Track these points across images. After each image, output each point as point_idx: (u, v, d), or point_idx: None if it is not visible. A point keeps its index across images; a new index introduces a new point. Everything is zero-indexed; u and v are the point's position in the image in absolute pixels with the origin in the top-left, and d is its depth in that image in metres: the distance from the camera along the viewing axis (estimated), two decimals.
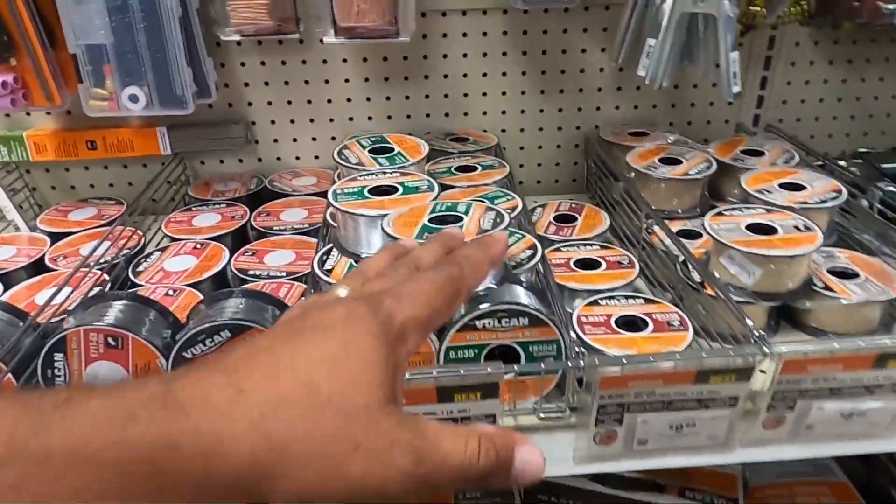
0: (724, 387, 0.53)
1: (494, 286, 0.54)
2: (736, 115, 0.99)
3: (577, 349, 0.52)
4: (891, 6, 0.79)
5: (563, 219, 0.81)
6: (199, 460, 0.22)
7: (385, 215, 0.60)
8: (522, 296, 0.58)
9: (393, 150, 0.74)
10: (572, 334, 0.56)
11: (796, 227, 0.66)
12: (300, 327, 0.27)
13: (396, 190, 0.64)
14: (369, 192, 0.64)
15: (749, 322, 0.53)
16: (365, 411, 0.24)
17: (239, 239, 0.81)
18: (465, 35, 0.90)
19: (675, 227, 0.79)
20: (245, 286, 0.64)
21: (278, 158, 0.97)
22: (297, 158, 0.97)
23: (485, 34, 0.90)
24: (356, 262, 0.63)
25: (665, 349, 0.57)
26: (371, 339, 0.26)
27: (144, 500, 0.21)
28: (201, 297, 0.66)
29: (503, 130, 0.97)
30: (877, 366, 0.53)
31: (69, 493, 0.19)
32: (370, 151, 0.74)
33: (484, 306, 0.53)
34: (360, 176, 0.68)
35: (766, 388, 0.54)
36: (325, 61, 0.90)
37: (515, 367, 0.51)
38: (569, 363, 0.52)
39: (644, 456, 0.56)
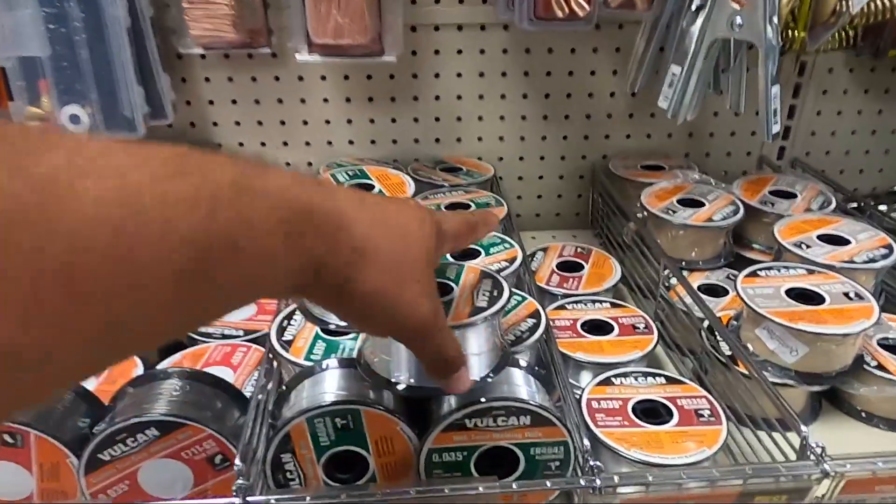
0: None
1: (491, 376, 0.44)
2: (759, 148, 0.89)
3: (591, 463, 0.41)
4: None
5: (568, 266, 0.71)
6: (332, 225, 0.29)
7: None
8: (523, 385, 0.47)
9: (372, 187, 0.64)
10: (581, 430, 0.46)
11: (846, 295, 0.56)
12: (394, 199, 0.40)
13: None
14: None
15: (804, 430, 0.43)
16: (424, 265, 0.33)
17: None
18: (459, 52, 0.80)
19: (696, 280, 0.69)
20: (185, 368, 0.53)
21: None
22: None
23: (482, 52, 0.80)
24: (323, 331, 0.52)
25: (696, 450, 0.47)
26: (431, 227, 0.35)
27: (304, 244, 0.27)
28: (138, 362, 0.55)
29: (500, 159, 0.87)
30: None
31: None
32: None
33: (475, 401, 0.43)
34: None
35: None
36: (300, 78, 0.80)
37: (514, 484, 0.41)
38: (581, 481, 0.41)
39: None
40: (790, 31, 0.70)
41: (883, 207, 0.76)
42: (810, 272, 0.59)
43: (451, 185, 0.78)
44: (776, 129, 0.60)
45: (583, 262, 0.72)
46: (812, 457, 0.42)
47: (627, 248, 0.73)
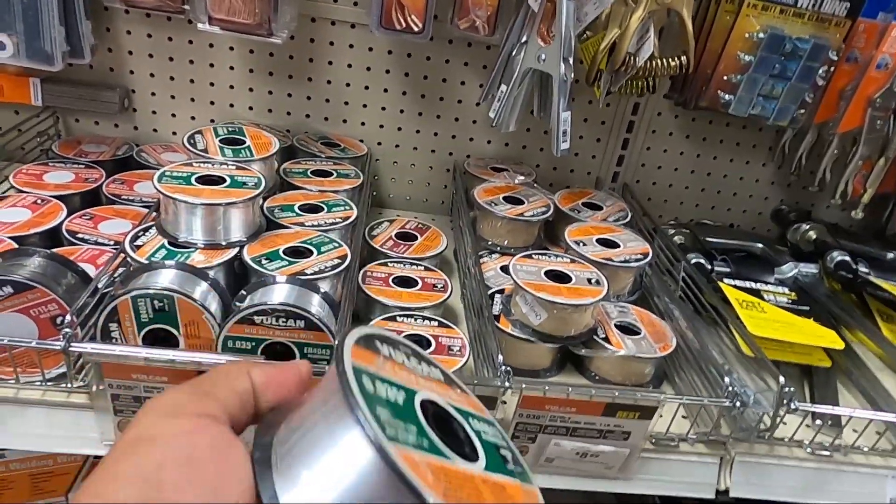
0: None
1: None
2: (598, 170, 1.06)
3: None
4: (727, 96, 0.87)
5: (404, 236, 0.86)
6: None
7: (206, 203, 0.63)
8: (314, 302, 0.61)
9: (244, 142, 0.77)
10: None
11: (589, 280, 0.72)
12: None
13: (224, 181, 0.67)
14: (196, 179, 0.67)
15: (500, 358, 0.58)
16: None
17: (90, 202, 0.82)
18: (351, 46, 0.94)
19: (505, 261, 0.84)
20: (55, 249, 0.66)
21: (155, 130, 0.98)
22: (174, 134, 0.99)
23: (370, 49, 0.94)
24: (170, 243, 0.66)
25: None
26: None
27: None
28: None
29: (379, 143, 1.01)
30: (606, 413, 0.59)
31: None
32: (221, 141, 0.77)
33: (263, 304, 0.57)
34: (197, 162, 0.70)
35: (509, 418, 0.59)
36: (211, 45, 0.93)
37: None
38: None
39: None
40: (629, 80, 0.86)
41: (672, 231, 0.93)
42: (573, 261, 0.75)
43: (326, 157, 0.92)
44: (565, 146, 0.76)
45: (418, 235, 0.87)
46: (500, 375, 0.57)
47: (466, 231, 0.89)
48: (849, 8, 0.83)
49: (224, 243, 0.67)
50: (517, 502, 0.28)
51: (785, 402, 0.61)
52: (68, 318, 0.53)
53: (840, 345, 0.75)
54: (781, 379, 0.61)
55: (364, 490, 0.24)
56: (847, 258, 0.89)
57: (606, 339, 0.71)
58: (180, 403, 0.29)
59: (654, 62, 0.77)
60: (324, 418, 0.26)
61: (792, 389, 0.61)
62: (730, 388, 0.62)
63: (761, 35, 0.83)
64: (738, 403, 0.61)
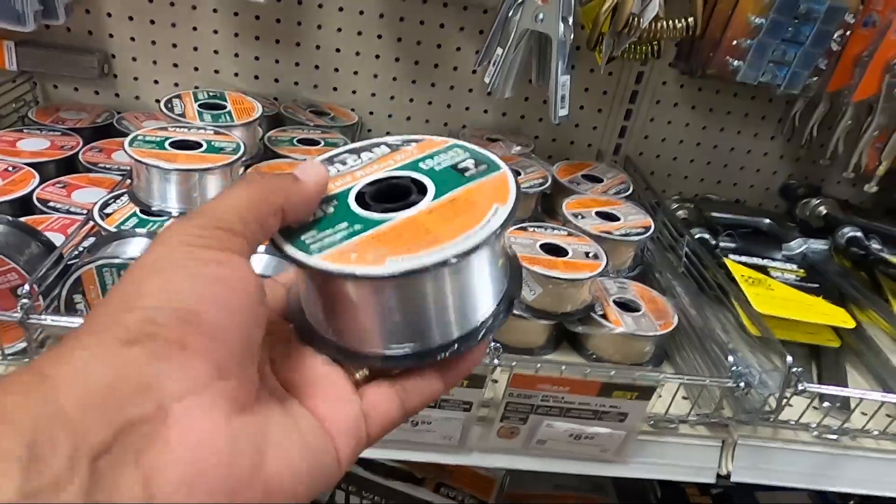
0: (458, 391, 0.55)
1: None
2: (599, 142, 1.02)
3: None
4: (736, 62, 0.82)
5: None
6: None
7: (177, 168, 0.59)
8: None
9: (224, 107, 0.73)
10: None
11: (586, 254, 0.68)
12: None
13: (199, 146, 0.64)
14: (170, 144, 0.63)
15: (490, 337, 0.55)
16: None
17: (66, 170, 0.79)
18: (341, 10, 0.89)
19: None
20: (19, 217, 0.62)
21: (137, 98, 0.94)
22: (157, 102, 0.94)
23: (361, 13, 0.90)
24: (142, 211, 0.62)
25: None
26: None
27: None
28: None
29: (371, 113, 0.97)
30: (601, 393, 0.56)
31: None
32: (200, 106, 0.73)
33: None
34: (172, 127, 0.66)
35: (499, 398, 0.56)
36: (194, 7, 0.88)
37: None
38: None
39: (381, 446, 0.58)
40: (633, 45, 0.82)
41: (675, 206, 0.90)
42: (570, 234, 0.71)
43: (314, 125, 0.88)
44: (563, 112, 0.71)
45: None
46: (490, 352, 0.54)
47: None
48: None
49: None
50: (474, 199, 0.29)
51: (792, 382, 0.57)
52: (27, 287, 0.50)
53: (851, 324, 0.71)
54: (789, 358, 0.57)
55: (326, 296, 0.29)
56: (859, 234, 0.85)
57: (604, 316, 0.68)
58: (206, 234, 0.25)
59: (658, 24, 0.72)
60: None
61: (800, 369, 0.57)
62: (733, 368, 0.58)
63: None
64: (741, 384, 0.57)
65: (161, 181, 0.61)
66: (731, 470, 0.62)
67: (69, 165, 0.80)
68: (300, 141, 0.82)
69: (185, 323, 0.23)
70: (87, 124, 0.87)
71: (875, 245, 0.84)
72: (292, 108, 0.91)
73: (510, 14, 0.74)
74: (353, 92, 0.96)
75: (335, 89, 0.95)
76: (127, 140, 0.62)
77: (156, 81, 0.93)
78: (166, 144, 0.63)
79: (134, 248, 0.56)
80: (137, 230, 0.58)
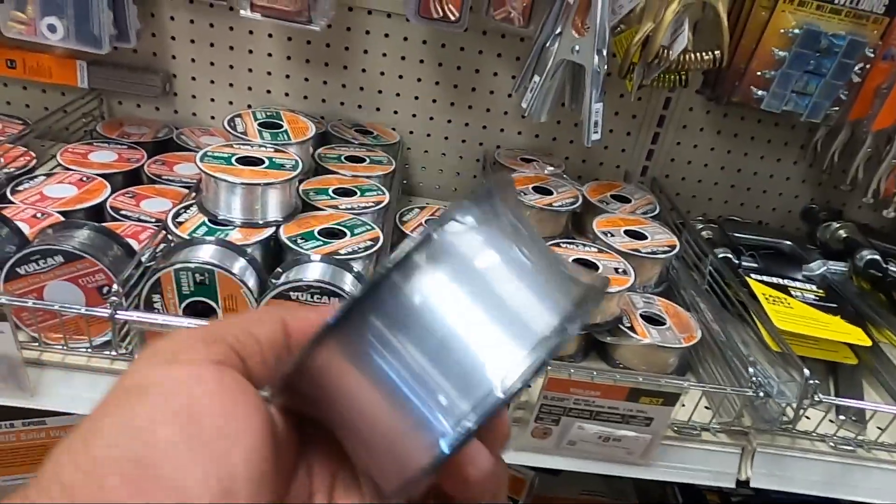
0: None
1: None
2: (627, 163, 1.06)
3: None
4: (760, 91, 0.87)
5: None
6: None
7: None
8: (347, 281, 0.63)
9: (281, 126, 0.79)
10: None
11: (616, 270, 0.73)
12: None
13: (262, 163, 0.70)
14: (237, 160, 0.69)
15: None
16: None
17: (131, 181, 0.85)
18: (386, 36, 0.95)
19: None
20: (104, 223, 0.69)
21: (194, 114, 1.01)
22: (213, 118, 1.02)
23: (405, 39, 0.96)
24: (210, 221, 0.68)
25: None
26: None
27: None
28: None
29: (411, 132, 1.03)
30: (629, 398, 0.60)
31: None
32: (259, 125, 0.79)
33: (299, 280, 0.59)
34: (237, 144, 0.73)
35: (533, 400, 0.61)
36: (251, 32, 0.95)
37: None
38: None
39: None
40: (662, 74, 0.87)
41: (700, 226, 0.94)
42: (600, 251, 0.76)
43: (359, 143, 0.94)
44: (595, 137, 0.76)
45: None
46: None
47: None
48: (887, 5, 0.82)
49: (261, 222, 0.69)
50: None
51: (809, 393, 0.61)
52: (115, 287, 0.56)
53: (867, 342, 0.75)
54: (806, 371, 0.61)
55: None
56: (877, 257, 0.88)
57: (631, 328, 0.72)
58: (181, 349, 0.25)
59: (687, 56, 0.77)
60: None
61: (817, 381, 0.61)
62: (754, 378, 0.62)
63: (797, 31, 0.83)
64: (761, 393, 0.62)
65: (228, 193, 0.67)
66: (750, 476, 0.66)
67: (135, 176, 0.86)
68: (347, 158, 0.88)
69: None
70: (149, 138, 0.94)
71: (893, 268, 0.88)
72: (338, 127, 0.97)
73: (547, 44, 0.79)
74: (395, 112, 1.02)
75: (378, 109, 1.01)
76: (198, 156, 0.68)
77: (212, 99, 1.00)
78: (233, 160, 0.69)
79: (205, 253, 0.62)
80: (207, 237, 0.64)
